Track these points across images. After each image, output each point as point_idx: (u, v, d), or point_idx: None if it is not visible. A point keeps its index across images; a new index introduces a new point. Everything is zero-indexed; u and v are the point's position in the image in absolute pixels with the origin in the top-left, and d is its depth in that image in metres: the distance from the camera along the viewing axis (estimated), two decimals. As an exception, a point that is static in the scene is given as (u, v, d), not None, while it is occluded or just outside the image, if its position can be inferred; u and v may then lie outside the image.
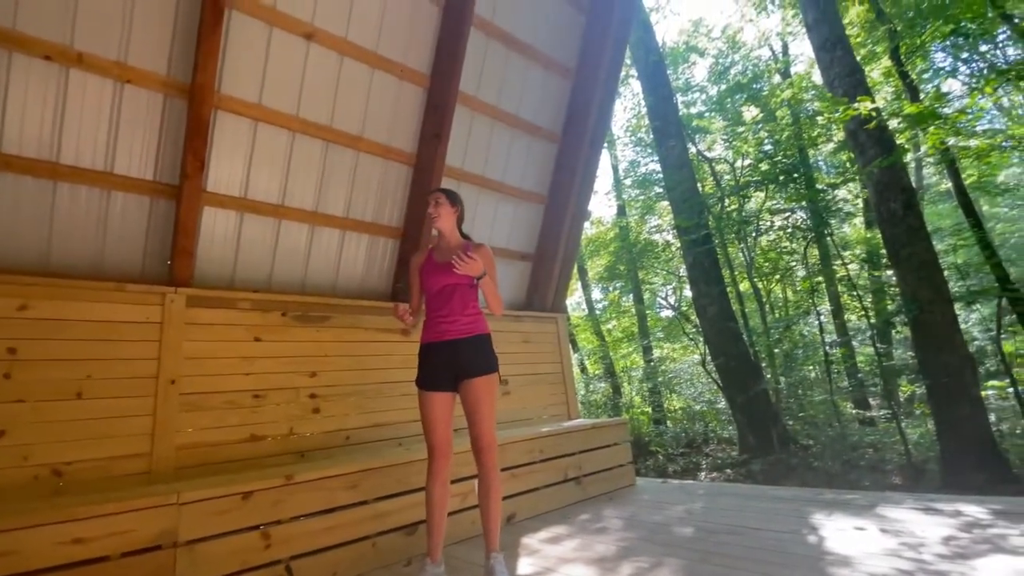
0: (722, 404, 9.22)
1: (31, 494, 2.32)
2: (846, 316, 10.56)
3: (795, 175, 8.14)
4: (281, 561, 2.31)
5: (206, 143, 3.01)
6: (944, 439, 5.58)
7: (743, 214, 8.93)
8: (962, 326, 6.54)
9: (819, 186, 8.39)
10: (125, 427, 2.60)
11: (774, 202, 8.68)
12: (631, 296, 14.03)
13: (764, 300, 9.91)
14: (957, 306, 6.50)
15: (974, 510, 2.74)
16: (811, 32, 7.35)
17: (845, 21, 8.68)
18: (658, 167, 10.60)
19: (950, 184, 9.08)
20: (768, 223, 8.94)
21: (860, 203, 11.12)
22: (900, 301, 6.61)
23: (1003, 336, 7.40)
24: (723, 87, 11.81)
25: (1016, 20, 7.63)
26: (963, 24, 6.90)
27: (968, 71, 9.84)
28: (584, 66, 4.93)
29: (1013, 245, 11.25)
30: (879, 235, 7.13)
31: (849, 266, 9.21)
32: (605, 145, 8.47)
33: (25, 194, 2.70)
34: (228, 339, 3.01)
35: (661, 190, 11.62)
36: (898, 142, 6.62)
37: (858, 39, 9.36)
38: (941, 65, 10.15)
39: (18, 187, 2.68)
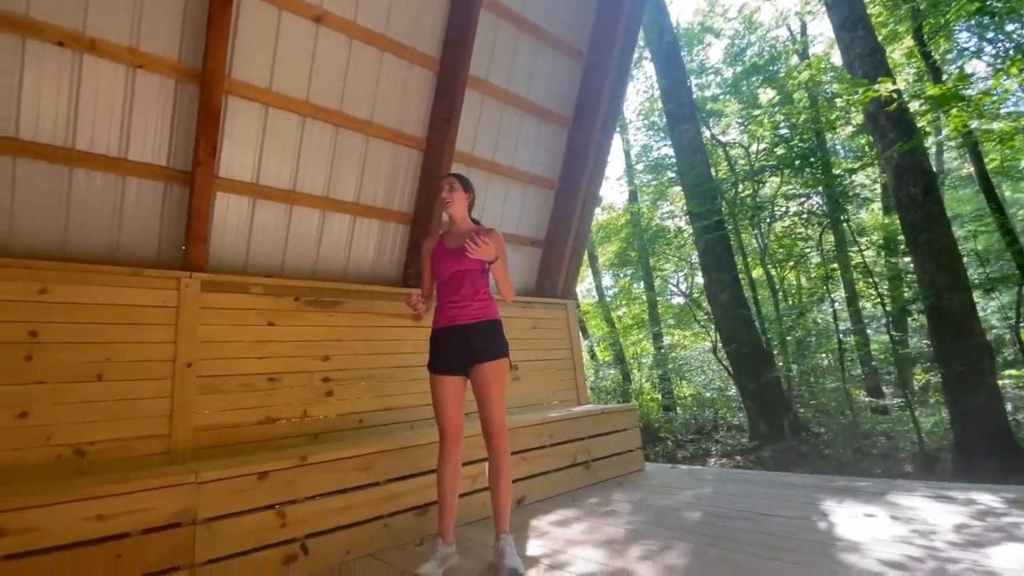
0: (733, 391, 9.19)
1: (54, 473, 2.39)
2: (861, 303, 10.41)
3: (812, 160, 7.98)
4: (296, 539, 2.37)
5: (218, 129, 3.02)
6: (958, 427, 5.52)
7: (757, 200, 8.79)
8: (980, 314, 6.41)
9: (836, 171, 8.22)
10: (144, 409, 2.67)
11: (789, 187, 8.52)
12: (642, 283, 13.96)
13: (777, 287, 9.80)
14: (976, 294, 6.37)
15: (987, 498, 2.71)
16: (831, 11, 7.14)
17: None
18: (671, 151, 10.46)
19: (972, 169, 8.85)
20: (783, 209, 8.80)
21: (878, 188, 10.89)
22: (917, 288, 6.50)
23: (1022, 324, 7.26)
24: (739, 69, 11.56)
25: (1046, -3, 7.33)
26: (989, 2, 6.65)
27: (993, 51, 9.50)
28: (596, 48, 4.84)
29: (1035, 232, 10.96)
30: (897, 221, 6.98)
31: (865, 252, 9.06)
32: (617, 129, 8.35)
33: (42, 180, 2.74)
34: (242, 323, 3.06)
35: (674, 175, 11.48)
36: (919, 125, 6.45)
37: (879, 18, 9.06)
38: (965, 45, 9.81)
39: (34, 173, 2.72)
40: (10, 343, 2.43)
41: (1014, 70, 6.62)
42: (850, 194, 8.08)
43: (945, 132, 8.05)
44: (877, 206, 11.37)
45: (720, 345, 8.63)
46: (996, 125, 6.52)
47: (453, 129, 3.90)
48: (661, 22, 9.28)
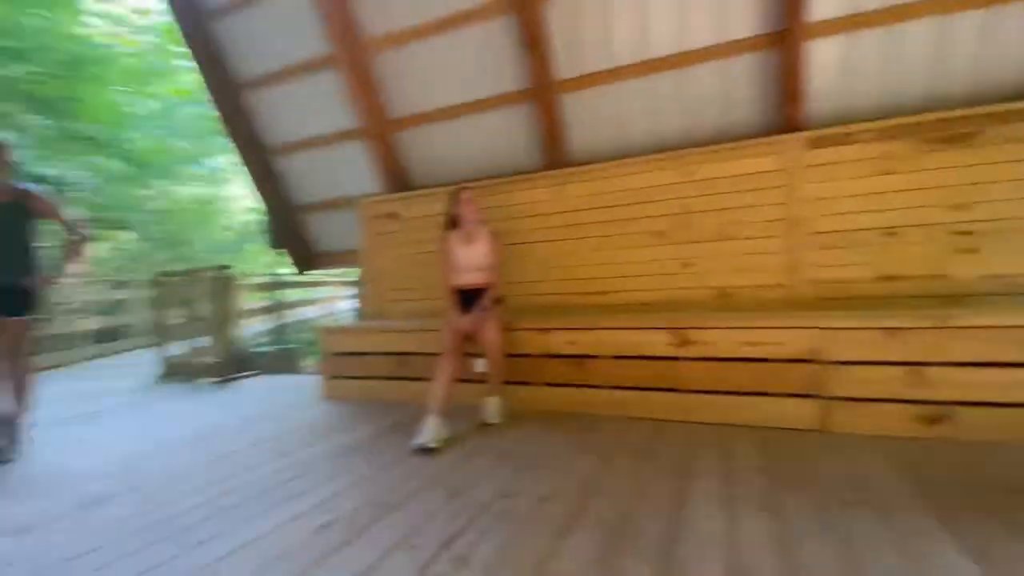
0: None
1: (709, 307, 3.23)
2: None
3: None
4: (931, 402, 2.20)
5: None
6: None
7: None
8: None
9: None
10: (767, 262, 3.11)
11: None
12: None
13: None
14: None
15: None
16: None
17: None
18: None
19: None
20: None
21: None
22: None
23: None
24: None
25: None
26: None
27: None
28: None
29: None
30: None
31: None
32: None
33: (669, 86, 3.49)
34: (852, 176, 2.90)
35: None
36: None
37: None
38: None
39: (657, 84, 3.48)
40: (675, 214, 3.37)
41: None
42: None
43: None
44: None
45: None
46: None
47: None
48: None
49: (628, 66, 3.54)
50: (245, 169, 5.24)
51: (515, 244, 3.75)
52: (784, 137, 3.05)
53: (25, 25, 7.01)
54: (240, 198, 14.76)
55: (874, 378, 2.30)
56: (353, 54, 4.14)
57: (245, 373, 4.95)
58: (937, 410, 2.19)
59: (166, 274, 5.45)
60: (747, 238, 3.15)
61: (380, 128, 4.39)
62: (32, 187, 2.75)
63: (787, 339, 2.47)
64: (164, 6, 4.90)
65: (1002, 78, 2.85)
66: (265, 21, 4.47)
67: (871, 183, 2.86)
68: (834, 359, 2.37)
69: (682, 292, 3.35)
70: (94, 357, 7.08)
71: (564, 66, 3.70)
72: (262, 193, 5.28)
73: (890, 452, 2.05)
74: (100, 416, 3.50)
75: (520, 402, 3.00)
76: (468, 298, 2.88)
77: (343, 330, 3.78)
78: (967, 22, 2.80)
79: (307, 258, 5.58)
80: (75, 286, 7.92)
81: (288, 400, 3.73)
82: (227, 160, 13.04)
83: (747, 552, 1.37)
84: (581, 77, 3.69)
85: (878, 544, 1.37)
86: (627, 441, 2.35)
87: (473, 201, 2.89)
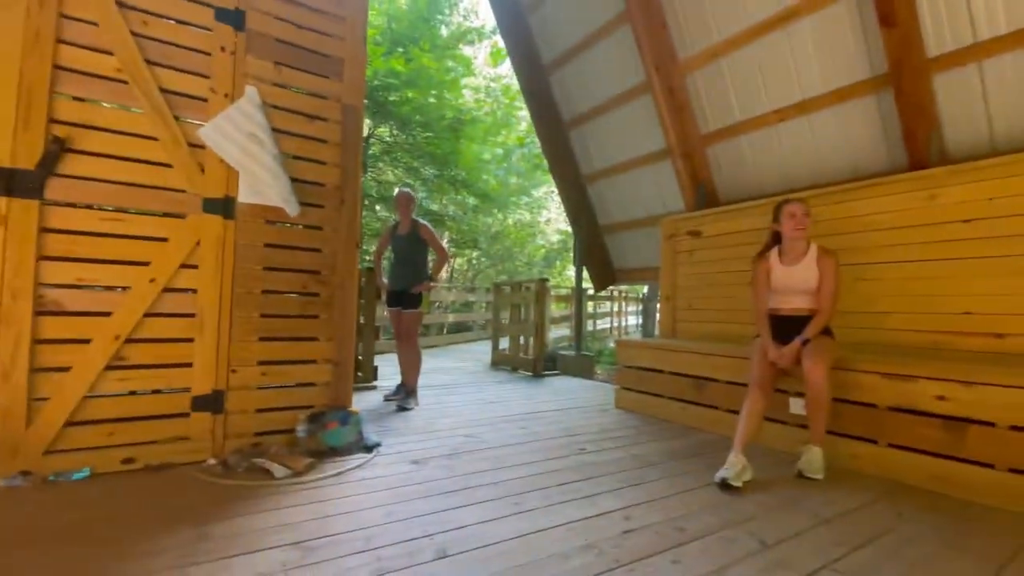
0: None
1: None
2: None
3: None
4: None
5: None
6: None
7: None
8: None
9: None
10: None
11: None
12: None
13: None
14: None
15: None
16: None
17: None
18: None
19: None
20: None
21: None
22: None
23: None
24: None
25: None
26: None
27: None
28: None
29: None
30: None
31: None
32: None
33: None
34: None
35: None
36: None
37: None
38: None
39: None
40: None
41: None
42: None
43: None
44: None
45: None
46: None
47: None
48: None
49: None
50: (562, 197, 6.03)
51: (857, 265, 3.10)
52: None
53: (427, 104, 10.00)
54: (553, 221, 17.06)
55: None
56: (666, 77, 4.25)
57: (552, 371, 5.66)
58: None
59: (500, 283, 6.78)
60: None
61: (688, 146, 4.36)
62: (421, 221, 3.87)
63: None
64: (511, 68, 6.14)
65: None
66: (590, 65, 5.07)
67: None
68: None
69: None
70: (449, 344, 9.35)
71: (942, 38, 2.89)
72: (572, 216, 5.96)
73: None
74: (455, 388, 4.58)
75: (848, 460, 2.45)
76: (785, 326, 2.54)
77: (639, 345, 3.89)
78: None
79: (606, 274, 5.99)
80: (441, 290, 10.64)
81: (587, 401, 4.07)
82: (546, 190, 15.33)
83: None
84: (970, 48, 2.81)
85: None
86: (1041, 553, 1.63)
87: (799, 215, 2.53)
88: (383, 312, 5.10)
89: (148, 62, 2.21)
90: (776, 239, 2.67)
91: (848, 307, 3.00)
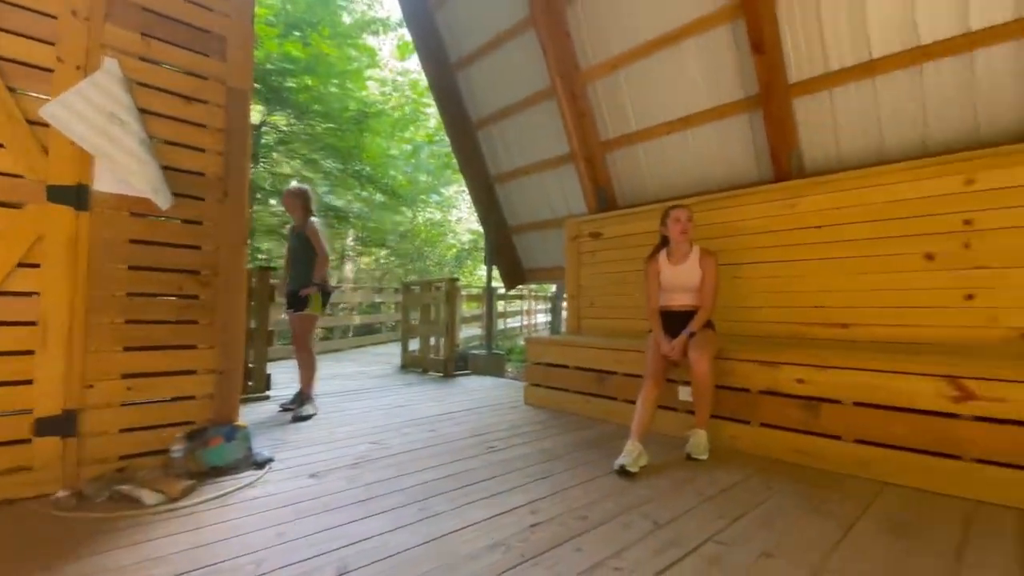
0: None
1: (1005, 353, 2.43)
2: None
3: None
4: None
5: None
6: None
7: None
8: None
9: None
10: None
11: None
12: None
13: None
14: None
15: None
16: None
17: None
18: None
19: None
20: None
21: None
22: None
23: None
24: None
25: None
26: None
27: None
28: None
29: None
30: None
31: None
32: None
33: (942, 77, 2.80)
34: None
35: None
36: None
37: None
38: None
39: (936, 73, 2.81)
40: (947, 233, 2.67)
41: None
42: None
43: None
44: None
45: None
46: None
47: None
48: None
49: (889, 57, 2.98)
50: (472, 196, 6.03)
51: (733, 265, 3.44)
52: None
53: (328, 93, 9.44)
54: (465, 220, 17.03)
55: None
56: (569, 85, 4.41)
57: (463, 371, 5.63)
58: None
59: (410, 283, 6.60)
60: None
61: (589, 151, 4.57)
62: (313, 219, 3.64)
63: None
64: (418, 64, 6.01)
65: None
66: (497, 67, 5.11)
67: None
68: None
69: (962, 331, 2.62)
70: (356, 347, 8.93)
71: (800, 66, 3.30)
72: (483, 216, 5.98)
73: None
74: (358, 393, 4.38)
75: (729, 440, 2.72)
76: (675, 321, 2.76)
77: (547, 342, 4.00)
78: None
79: (516, 274, 6.10)
80: (346, 290, 10.11)
81: (498, 399, 4.11)
82: (457, 188, 15.23)
83: None
84: (823, 76, 3.23)
85: None
86: (876, 509, 1.92)
87: (683, 220, 2.77)
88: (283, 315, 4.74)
89: (-31, 20, 1.84)
90: (665, 242, 2.88)
91: (726, 302, 3.33)
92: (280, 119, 9.75)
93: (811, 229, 3.16)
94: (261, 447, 2.53)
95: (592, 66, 4.32)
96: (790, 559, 1.53)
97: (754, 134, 3.66)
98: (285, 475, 2.27)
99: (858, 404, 2.33)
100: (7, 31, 1.92)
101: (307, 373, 3.61)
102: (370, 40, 10.79)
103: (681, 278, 2.79)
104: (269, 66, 8.47)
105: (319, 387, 3.91)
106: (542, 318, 16.29)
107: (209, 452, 2.20)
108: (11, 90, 1.93)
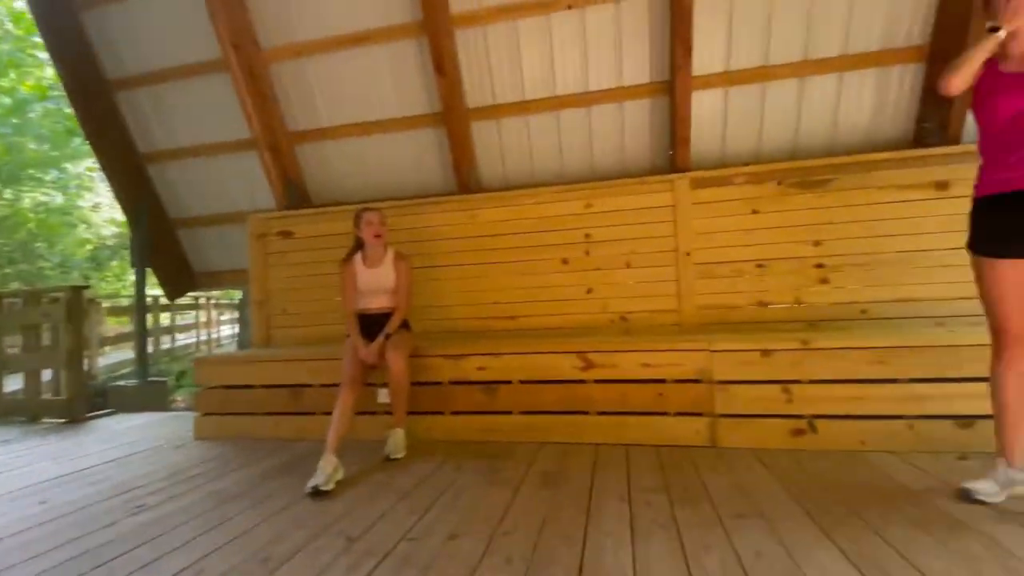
0: None
1: (611, 331, 3.38)
2: None
3: None
4: (803, 416, 2.46)
5: (691, 28, 3.12)
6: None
7: None
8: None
9: None
10: (659, 289, 3.33)
11: None
12: None
13: None
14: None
15: None
16: None
17: None
18: None
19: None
20: None
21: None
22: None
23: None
24: None
25: None
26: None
27: None
28: None
29: None
30: None
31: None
32: None
33: (573, 123, 3.68)
34: (729, 214, 3.23)
35: None
36: None
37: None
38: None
39: (568, 119, 3.67)
40: (575, 243, 3.50)
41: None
42: None
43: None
44: None
45: None
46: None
47: None
48: None
49: (536, 100, 3.68)
50: (108, 177, 4.59)
51: (425, 268, 3.64)
52: (672, 176, 3.34)
53: None
54: (106, 208, 12.99)
55: (755, 395, 2.52)
56: (247, 61, 3.85)
57: (100, 412, 4.22)
58: (805, 423, 2.45)
59: (5, 294, 4.53)
60: (643, 267, 3.36)
61: (274, 140, 4.10)
62: None
63: (680, 361, 2.63)
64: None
65: (852, 133, 3.38)
66: (148, 17, 4.02)
67: (744, 220, 3.21)
68: (721, 379, 2.57)
69: (586, 317, 3.46)
70: None
71: (475, 94, 3.75)
72: (128, 204, 4.64)
73: (770, 464, 2.24)
74: None
75: (427, 432, 2.86)
76: (372, 324, 2.72)
77: (223, 360, 3.38)
78: (819, 85, 3.31)
79: (183, 279, 4.98)
80: None
81: (156, 440, 3.23)
82: (92, 164, 11.46)
83: (655, 571, 1.39)
84: (492, 107, 3.75)
85: (768, 553, 1.46)
86: (536, 468, 2.33)
87: (376, 223, 2.76)
88: None
89: None
90: (360, 244, 2.82)
91: (423, 302, 3.52)
92: None
93: (487, 237, 3.64)
94: None
95: (276, 47, 3.88)
96: (473, 534, 1.68)
97: (441, 148, 3.98)
98: None
99: (523, 382, 2.80)
100: None
101: None
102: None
103: (377, 281, 2.77)
104: None
105: None
106: (229, 330, 13.98)
107: None
108: None
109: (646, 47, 3.40)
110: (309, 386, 3.09)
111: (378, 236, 2.76)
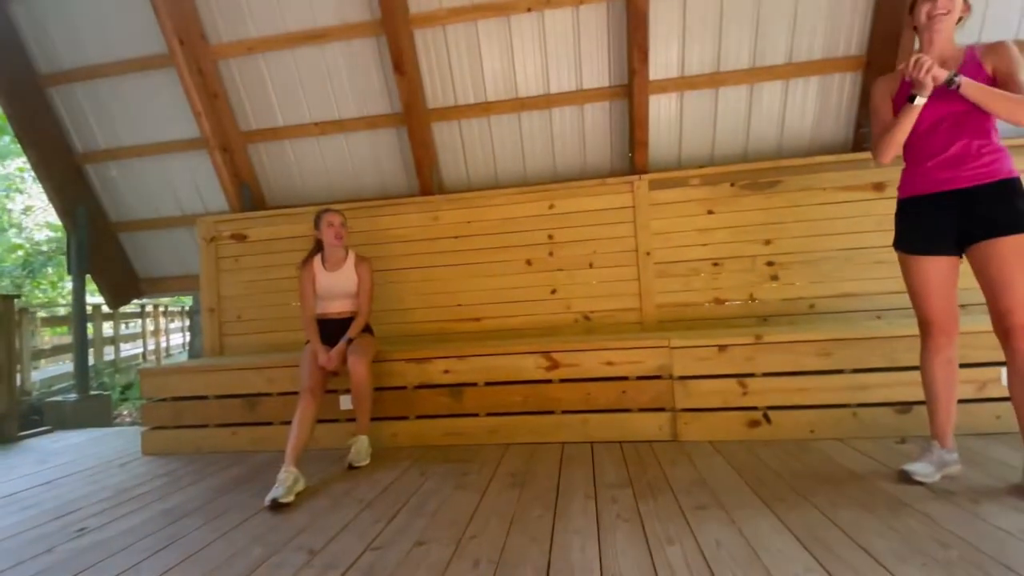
0: None
1: (575, 331, 3.42)
2: None
3: None
4: (758, 408, 2.56)
5: (647, 34, 3.20)
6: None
7: None
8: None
9: None
10: (621, 288, 3.39)
11: None
12: None
13: None
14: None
15: None
16: None
17: None
18: None
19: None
20: None
21: None
22: None
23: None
24: None
25: None
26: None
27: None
28: None
29: None
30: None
31: None
32: None
33: (534, 125, 3.71)
34: (685, 214, 3.33)
35: None
36: None
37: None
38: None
39: (531, 120, 3.70)
40: (539, 244, 3.52)
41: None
42: None
43: None
44: None
45: None
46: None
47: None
48: None
49: (498, 102, 3.68)
50: (40, 177, 4.29)
51: (386, 270, 3.58)
52: (632, 178, 3.41)
53: None
54: (40, 211, 12.16)
55: (713, 389, 2.61)
56: (194, 56, 3.68)
57: (35, 430, 3.93)
58: (760, 415, 2.56)
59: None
60: (605, 267, 3.42)
61: (225, 139, 3.94)
62: None
63: (642, 358, 2.70)
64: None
65: (798, 138, 3.56)
66: (81, 8, 3.79)
67: (700, 221, 3.32)
68: (680, 374, 2.64)
69: (550, 317, 3.49)
70: None
71: (436, 94, 3.72)
72: (63, 206, 4.35)
73: (727, 455, 2.32)
74: None
75: (390, 438, 2.82)
76: (333, 329, 2.65)
77: (172, 371, 3.21)
78: (767, 91, 3.46)
79: (126, 286, 4.71)
80: None
81: (98, 459, 3.04)
82: (23, 163, 10.70)
83: (622, 565, 1.41)
84: (453, 108, 3.73)
85: (728, 542, 1.52)
86: (503, 469, 2.33)
87: (336, 225, 2.70)
88: None
89: None
90: (319, 246, 2.75)
91: (384, 306, 3.47)
92: None
93: (450, 239, 3.61)
94: None
95: (225, 43, 3.73)
96: (439, 539, 1.66)
97: (402, 149, 3.93)
98: None
99: (489, 383, 2.80)
100: None
101: None
102: None
103: (338, 284, 2.70)
104: None
105: None
106: (179, 339, 13.33)
107: None
108: None
109: (605, 51, 3.47)
110: (266, 395, 2.98)
111: (338, 238, 2.69)
